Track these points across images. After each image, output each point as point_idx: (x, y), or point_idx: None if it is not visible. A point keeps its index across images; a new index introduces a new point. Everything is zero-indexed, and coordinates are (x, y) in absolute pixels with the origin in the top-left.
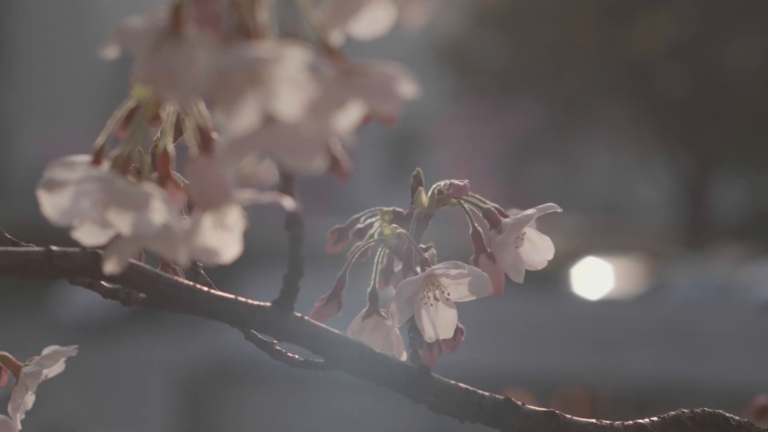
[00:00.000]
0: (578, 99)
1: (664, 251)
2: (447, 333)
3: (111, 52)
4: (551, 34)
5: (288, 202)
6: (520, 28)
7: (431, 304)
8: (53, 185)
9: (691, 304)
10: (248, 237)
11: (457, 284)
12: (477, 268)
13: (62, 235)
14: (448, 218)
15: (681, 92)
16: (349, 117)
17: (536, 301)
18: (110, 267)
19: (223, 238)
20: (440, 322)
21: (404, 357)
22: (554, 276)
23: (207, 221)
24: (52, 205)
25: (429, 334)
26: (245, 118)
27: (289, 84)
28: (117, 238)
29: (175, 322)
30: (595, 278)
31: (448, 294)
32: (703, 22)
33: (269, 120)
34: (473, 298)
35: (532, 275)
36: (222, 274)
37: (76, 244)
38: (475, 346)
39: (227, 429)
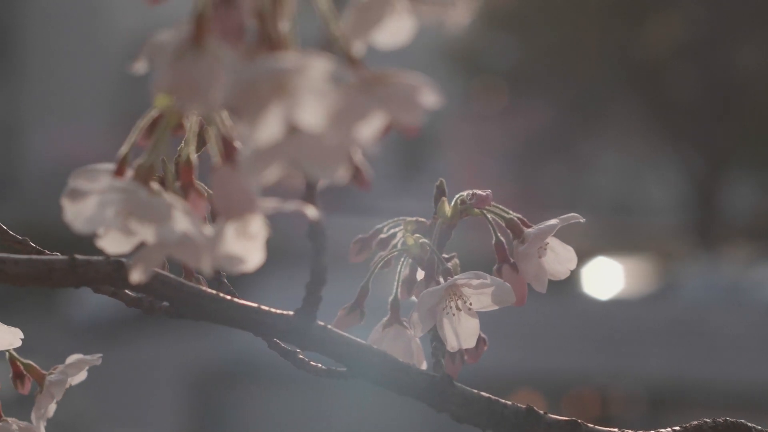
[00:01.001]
0: (588, 99)
1: (675, 251)
2: (469, 342)
3: (141, 66)
4: (561, 34)
5: (311, 211)
6: (530, 29)
7: (453, 314)
8: (76, 194)
9: (701, 303)
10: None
11: (480, 294)
12: (499, 278)
13: (74, 234)
14: (470, 227)
15: (691, 93)
16: (371, 127)
17: (547, 301)
18: (135, 276)
19: (246, 246)
20: (463, 331)
21: (424, 366)
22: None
23: (230, 230)
24: (75, 213)
25: (451, 344)
26: (269, 128)
27: (313, 94)
28: (142, 247)
29: (185, 322)
30: (606, 278)
31: (471, 304)
32: (713, 22)
33: (293, 130)
34: (495, 307)
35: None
36: (241, 280)
37: (87, 244)
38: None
39: (236, 429)
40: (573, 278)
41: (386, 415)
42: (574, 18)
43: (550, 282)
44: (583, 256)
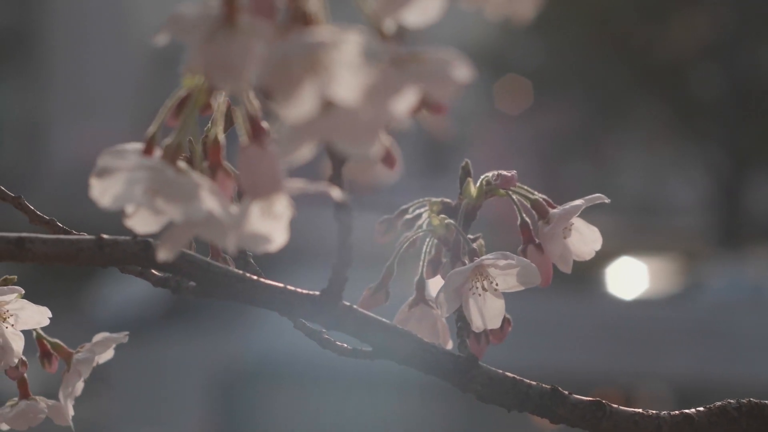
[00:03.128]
0: (613, 99)
1: (699, 251)
2: (495, 323)
3: (162, 39)
4: (586, 34)
5: (337, 192)
6: (555, 29)
7: (479, 294)
8: (104, 172)
9: (725, 303)
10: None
11: (506, 274)
12: (525, 259)
13: (100, 230)
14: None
15: (716, 92)
16: (405, 102)
17: (571, 300)
18: (163, 255)
19: (271, 226)
20: (488, 312)
21: (450, 346)
22: (589, 276)
23: (255, 209)
24: (102, 190)
25: (477, 324)
26: (304, 104)
27: (348, 68)
28: (169, 226)
29: (210, 320)
30: (630, 278)
31: (496, 284)
32: (738, 22)
33: (327, 106)
34: (521, 288)
35: (566, 275)
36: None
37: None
38: (510, 346)
39: (261, 428)
40: (597, 278)
41: (414, 416)
42: (599, 18)
43: (575, 281)
44: (608, 256)
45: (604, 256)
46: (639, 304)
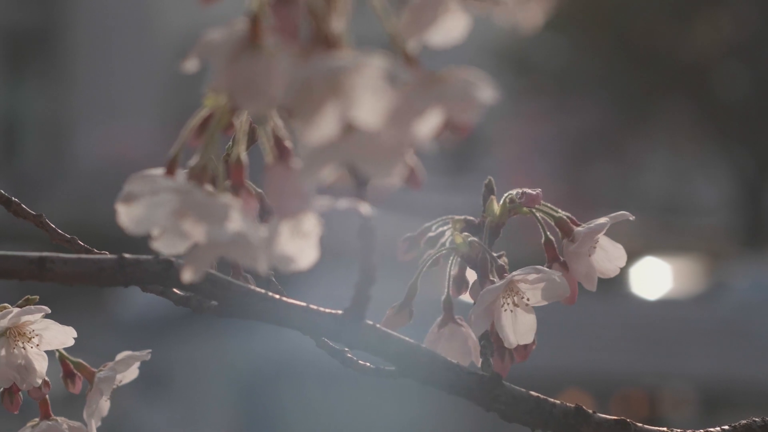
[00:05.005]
0: (637, 99)
1: (723, 251)
2: (527, 338)
3: (192, 65)
4: (610, 33)
5: (364, 209)
6: (579, 28)
7: (511, 311)
8: (130, 197)
9: (749, 304)
10: None
11: (536, 288)
12: (553, 271)
13: (121, 233)
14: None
15: (740, 92)
16: (428, 125)
17: (595, 301)
18: (188, 276)
19: (300, 245)
20: (520, 327)
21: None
22: (613, 276)
23: (284, 229)
24: (128, 215)
25: (510, 341)
26: (325, 126)
27: (370, 92)
28: (194, 247)
29: (234, 321)
30: (654, 278)
31: (527, 299)
32: (763, 22)
33: (349, 129)
34: (548, 302)
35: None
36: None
37: (134, 242)
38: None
39: (284, 429)
40: (621, 278)
41: (438, 416)
42: (623, 18)
43: (599, 282)
44: (632, 256)
45: (628, 257)
46: (663, 304)
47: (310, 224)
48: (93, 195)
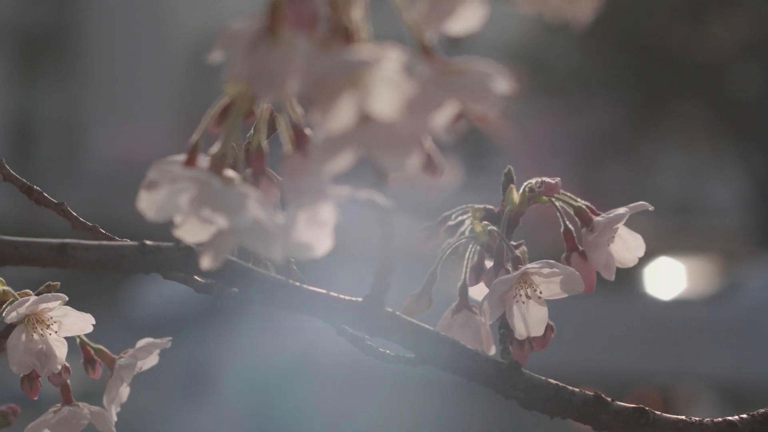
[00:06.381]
0: (651, 99)
1: (737, 251)
2: (538, 330)
3: (217, 56)
4: (624, 34)
5: (381, 199)
6: (594, 28)
7: (523, 302)
8: (152, 184)
9: (764, 304)
10: None
11: (549, 282)
12: (569, 266)
13: (138, 231)
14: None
15: (754, 92)
16: (444, 116)
17: (609, 301)
18: (206, 262)
19: (317, 233)
20: (532, 319)
21: (492, 352)
22: (627, 276)
23: (301, 217)
24: (149, 202)
25: (520, 332)
26: (342, 116)
27: (387, 84)
28: (214, 234)
29: (247, 320)
30: (668, 278)
31: (540, 292)
32: None
33: (365, 119)
34: (564, 295)
35: (598, 275)
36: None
37: (144, 237)
38: (549, 346)
39: (300, 427)
40: (635, 278)
41: (456, 415)
42: (638, 18)
43: (613, 281)
44: (646, 257)
45: (642, 256)
46: (677, 304)
47: (327, 213)
48: (105, 194)
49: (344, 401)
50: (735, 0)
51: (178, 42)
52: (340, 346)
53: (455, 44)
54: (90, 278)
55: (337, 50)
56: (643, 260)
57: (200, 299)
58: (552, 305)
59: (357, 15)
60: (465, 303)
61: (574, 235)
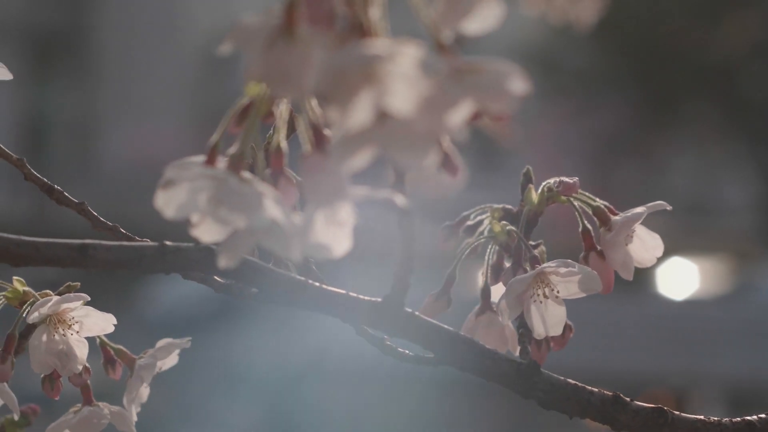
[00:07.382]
0: (663, 99)
1: (750, 252)
2: (556, 330)
3: (226, 48)
4: (636, 34)
5: (400, 199)
6: (605, 29)
7: (541, 302)
8: (169, 183)
9: None
10: None
11: (567, 282)
12: (586, 266)
13: (154, 231)
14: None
15: (767, 92)
16: (460, 114)
17: (622, 301)
18: (224, 262)
19: (335, 233)
20: (549, 319)
21: (518, 351)
22: (640, 276)
23: (319, 217)
24: (166, 200)
25: (538, 331)
26: (359, 114)
27: (404, 81)
28: (232, 233)
29: (262, 319)
30: (681, 279)
31: (558, 291)
32: None
33: (382, 117)
34: (582, 295)
35: (617, 276)
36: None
37: (159, 238)
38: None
39: (315, 427)
40: (648, 279)
41: (472, 413)
42: (650, 18)
43: (626, 282)
44: (659, 257)
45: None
46: (690, 304)
47: (346, 213)
48: (120, 193)
49: (360, 401)
50: (747, 0)
51: (193, 41)
52: (356, 345)
53: (467, 43)
54: (104, 278)
55: (352, 45)
56: (656, 260)
57: (216, 299)
58: (566, 306)
59: (374, 13)
60: (488, 305)
61: (592, 234)
